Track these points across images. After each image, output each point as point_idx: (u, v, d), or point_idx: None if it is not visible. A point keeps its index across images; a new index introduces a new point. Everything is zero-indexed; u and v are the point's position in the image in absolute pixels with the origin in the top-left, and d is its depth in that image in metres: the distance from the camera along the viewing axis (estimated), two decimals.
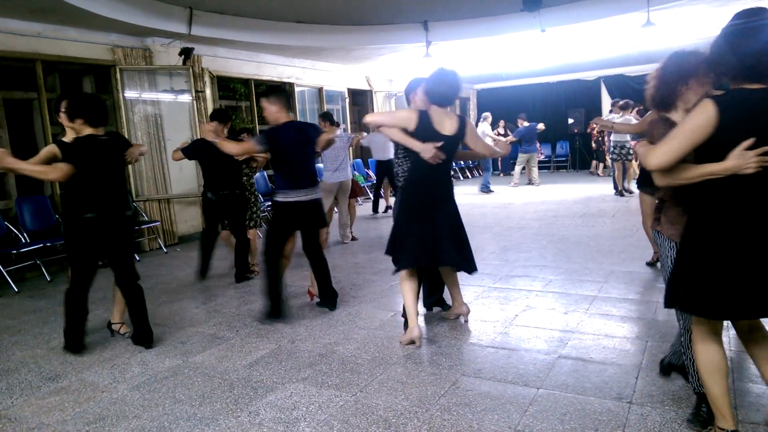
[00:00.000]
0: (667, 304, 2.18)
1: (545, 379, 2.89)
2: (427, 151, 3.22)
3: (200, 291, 5.10)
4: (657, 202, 2.44)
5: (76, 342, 3.65)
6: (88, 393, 3.08)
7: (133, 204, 3.96)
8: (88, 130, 3.52)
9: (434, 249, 3.35)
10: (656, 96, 2.30)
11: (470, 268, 3.54)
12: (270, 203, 4.53)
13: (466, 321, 3.82)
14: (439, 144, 3.22)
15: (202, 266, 5.42)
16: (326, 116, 6.63)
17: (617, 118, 9.34)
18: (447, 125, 3.31)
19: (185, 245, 7.52)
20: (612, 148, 9.67)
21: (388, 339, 3.60)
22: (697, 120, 1.88)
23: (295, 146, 3.96)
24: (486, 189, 11.32)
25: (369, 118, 3.53)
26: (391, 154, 8.69)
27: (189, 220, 7.89)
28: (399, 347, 3.45)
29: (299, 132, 4.03)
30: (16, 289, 5.47)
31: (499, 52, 10.56)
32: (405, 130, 3.28)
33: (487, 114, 11.98)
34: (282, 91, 4.12)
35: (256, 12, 7.37)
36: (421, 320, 3.84)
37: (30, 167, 3.40)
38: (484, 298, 4.37)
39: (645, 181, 4.89)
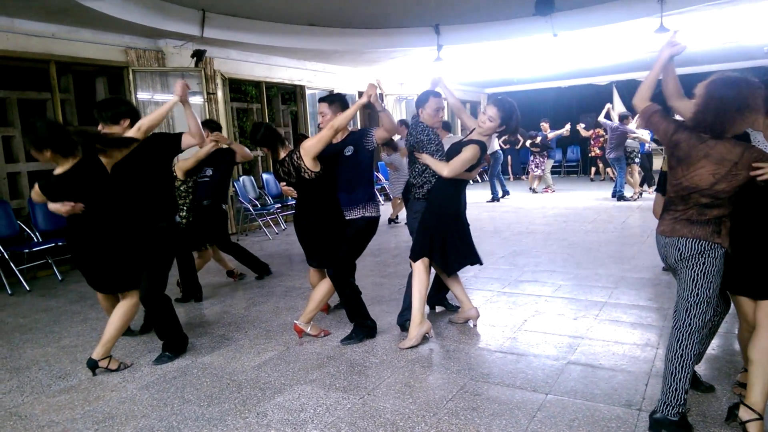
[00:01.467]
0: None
1: (554, 385, 2.87)
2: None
3: (209, 292, 5.12)
4: (685, 208, 2.37)
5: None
6: (98, 392, 3.10)
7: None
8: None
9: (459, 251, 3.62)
10: (706, 121, 2.22)
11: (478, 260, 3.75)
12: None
13: (475, 325, 3.80)
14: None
15: (193, 286, 4.83)
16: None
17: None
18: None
19: None
20: (628, 152, 9.74)
21: (396, 342, 3.59)
22: None
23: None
24: (497, 196, 11.27)
25: (451, 173, 3.40)
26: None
27: None
28: (407, 351, 3.44)
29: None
30: (28, 288, 5.52)
31: (510, 57, 10.53)
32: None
33: None
34: (341, 98, 3.70)
35: (268, 15, 7.42)
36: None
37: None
38: (493, 302, 4.36)
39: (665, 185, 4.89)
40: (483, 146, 3.47)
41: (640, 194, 9.89)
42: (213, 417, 2.73)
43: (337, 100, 3.64)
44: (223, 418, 2.71)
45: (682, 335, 2.30)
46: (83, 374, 3.35)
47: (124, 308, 3.29)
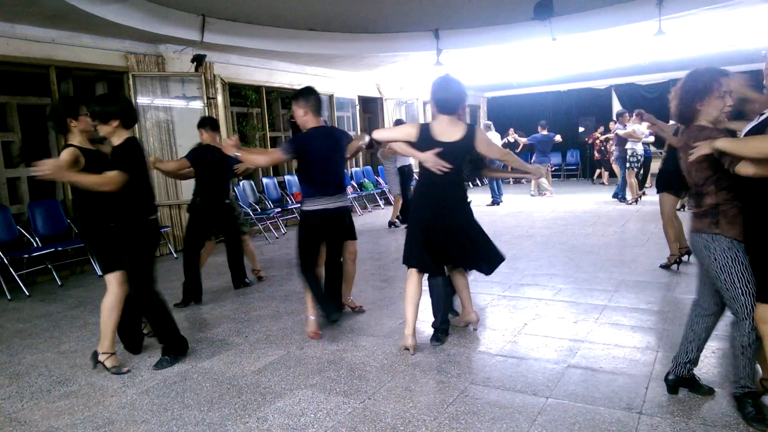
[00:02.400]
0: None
1: (554, 389, 2.86)
2: (427, 159, 3.27)
3: (209, 297, 5.11)
4: (693, 203, 2.48)
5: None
6: (98, 397, 3.09)
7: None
8: (125, 134, 3.33)
9: (440, 257, 3.46)
10: (677, 113, 2.49)
11: (483, 269, 3.58)
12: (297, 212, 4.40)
13: (475, 329, 3.80)
14: (437, 150, 3.25)
15: (194, 286, 4.91)
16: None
17: (626, 127, 9.44)
18: (450, 133, 3.30)
19: None
20: (629, 156, 9.69)
21: (396, 346, 3.58)
22: None
23: (324, 152, 3.76)
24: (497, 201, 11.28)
25: (377, 135, 3.61)
26: (409, 159, 8.71)
27: None
28: (407, 355, 3.44)
29: (329, 137, 3.82)
30: (27, 293, 5.52)
31: (509, 61, 10.56)
32: (411, 144, 3.37)
33: (489, 123, 11.89)
34: (311, 93, 3.78)
35: (268, 19, 7.44)
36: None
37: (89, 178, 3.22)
38: (493, 306, 4.35)
39: (668, 183, 4.91)
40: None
41: (637, 199, 9.82)
42: (213, 422, 2.73)
43: (312, 94, 3.81)
44: (224, 423, 2.71)
45: (737, 328, 2.38)
46: (83, 379, 3.35)
47: (105, 302, 3.39)
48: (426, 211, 3.41)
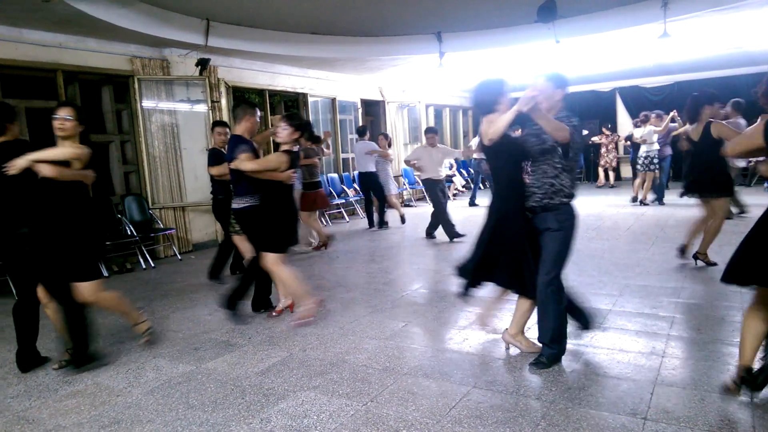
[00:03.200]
0: None
1: (558, 393, 2.86)
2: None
3: (213, 298, 5.13)
4: None
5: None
6: (104, 396, 3.12)
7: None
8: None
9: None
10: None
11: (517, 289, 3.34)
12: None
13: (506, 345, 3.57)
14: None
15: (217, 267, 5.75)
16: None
17: (643, 130, 9.58)
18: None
19: (199, 253, 7.60)
20: (644, 159, 9.78)
21: (399, 349, 3.59)
22: None
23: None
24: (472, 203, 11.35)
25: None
26: (371, 167, 8.71)
27: (203, 228, 7.98)
28: (410, 358, 3.44)
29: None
30: None
31: (512, 64, 10.56)
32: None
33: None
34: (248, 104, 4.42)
35: (272, 24, 7.48)
36: (434, 329, 3.83)
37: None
38: (497, 310, 4.35)
39: (724, 186, 5.14)
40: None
41: (641, 202, 9.87)
42: (217, 422, 2.74)
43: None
44: (228, 424, 2.72)
45: None
46: (89, 379, 3.37)
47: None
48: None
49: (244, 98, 9.27)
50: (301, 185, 6.99)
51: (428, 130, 7.88)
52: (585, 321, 3.44)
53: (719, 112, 4.97)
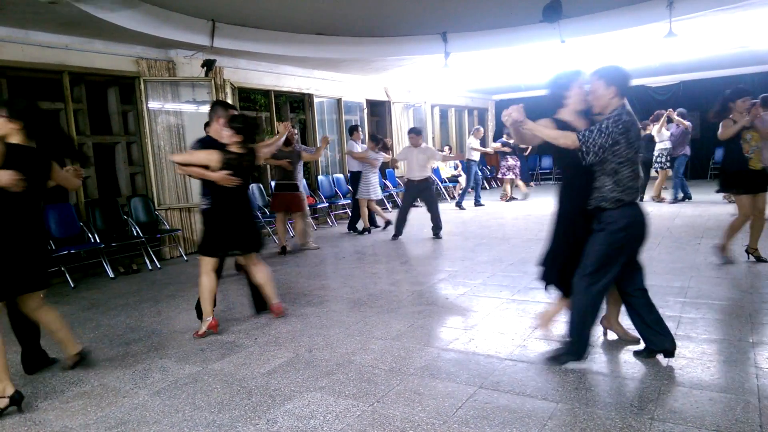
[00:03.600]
0: None
1: (564, 393, 2.85)
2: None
3: (219, 299, 5.14)
4: None
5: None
6: (110, 398, 3.13)
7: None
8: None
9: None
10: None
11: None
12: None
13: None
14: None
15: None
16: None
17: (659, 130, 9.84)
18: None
19: None
20: (657, 157, 9.94)
21: (405, 350, 3.59)
22: None
23: None
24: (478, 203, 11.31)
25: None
26: (355, 167, 8.68)
27: None
28: (416, 358, 3.44)
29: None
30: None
31: (518, 63, 10.54)
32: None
33: (479, 128, 11.86)
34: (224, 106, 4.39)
35: (277, 24, 7.50)
36: (441, 333, 3.83)
37: None
38: (503, 310, 4.34)
39: (756, 183, 5.13)
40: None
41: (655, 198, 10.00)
42: (224, 423, 2.75)
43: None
44: (234, 425, 2.73)
45: None
46: (96, 380, 3.39)
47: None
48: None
49: (249, 98, 9.31)
50: (274, 186, 7.25)
51: (411, 131, 8.05)
52: (660, 344, 3.16)
53: (747, 109, 4.97)
